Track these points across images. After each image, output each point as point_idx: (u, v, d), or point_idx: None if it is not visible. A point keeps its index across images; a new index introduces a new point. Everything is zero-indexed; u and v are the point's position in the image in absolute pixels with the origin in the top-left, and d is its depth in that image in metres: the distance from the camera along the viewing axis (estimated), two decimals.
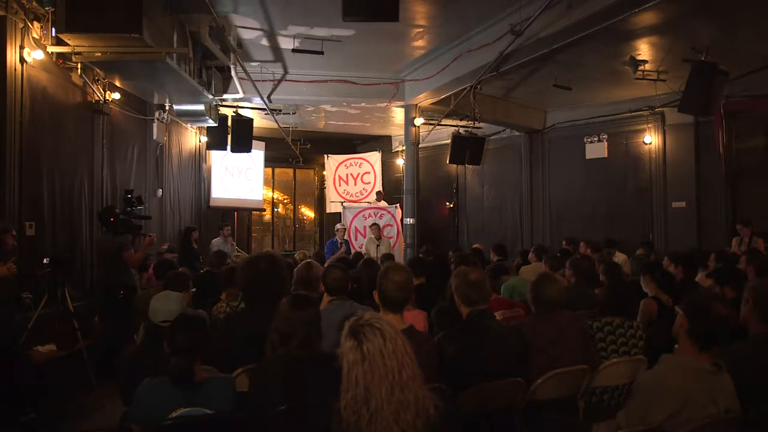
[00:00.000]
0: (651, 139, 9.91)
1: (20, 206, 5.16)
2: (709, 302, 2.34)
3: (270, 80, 9.20)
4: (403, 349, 1.65)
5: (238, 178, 12.00)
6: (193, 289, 4.35)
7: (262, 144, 12.27)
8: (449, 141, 9.87)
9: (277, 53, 8.41)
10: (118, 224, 5.91)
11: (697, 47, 6.23)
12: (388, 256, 7.13)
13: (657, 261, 6.02)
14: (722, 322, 2.27)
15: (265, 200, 13.93)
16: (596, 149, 10.66)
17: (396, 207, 11.35)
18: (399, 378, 1.60)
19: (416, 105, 9.68)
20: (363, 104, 10.21)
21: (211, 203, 11.31)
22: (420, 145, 10.15)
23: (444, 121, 10.17)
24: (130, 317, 4.65)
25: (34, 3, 5.28)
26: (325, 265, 4.12)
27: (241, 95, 8.95)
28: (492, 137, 11.51)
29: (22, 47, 5.17)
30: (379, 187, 13.18)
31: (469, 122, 9.71)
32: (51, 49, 5.54)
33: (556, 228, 11.25)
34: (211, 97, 8.39)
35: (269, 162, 13.55)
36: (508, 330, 2.95)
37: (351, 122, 12.38)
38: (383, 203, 11.96)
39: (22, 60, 5.19)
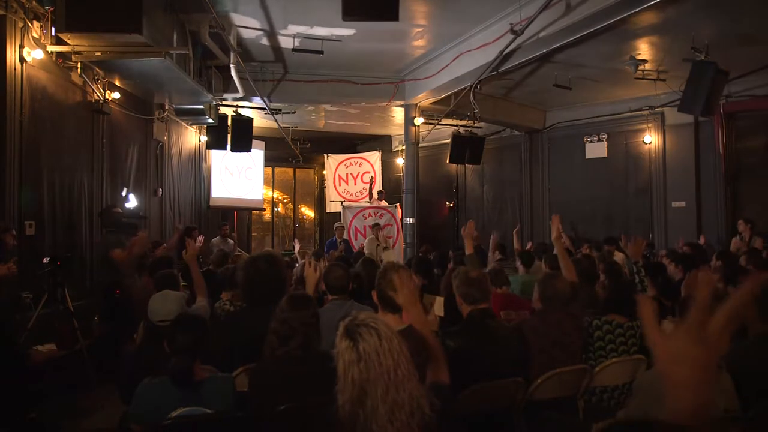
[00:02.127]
0: (651, 139, 9.91)
1: (20, 206, 5.16)
2: None
3: (270, 80, 9.21)
4: (399, 349, 1.65)
5: (238, 178, 12.00)
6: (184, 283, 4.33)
7: (262, 143, 12.27)
8: (449, 141, 9.87)
9: (278, 53, 8.41)
10: (107, 223, 5.90)
11: (697, 47, 6.23)
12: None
13: (657, 263, 6.01)
14: None
15: (265, 200, 13.94)
16: (596, 149, 10.66)
17: (396, 207, 11.35)
18: (395, 377, 1.60)
19: (416, 104, 9.68)
20: (363, 104, 10.21)
21: (211, 203, 11.31)
22: (420, 145, 10.15)
23: (444, 121, 10.17)
24: (128, 317, 4.64)
25: (33, 2, 5.28)
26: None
27: (241, 95, 8.95)
28: (492, 137, 11.51)
29: (22, 46, 5.16)
30: (379, 186, 13.18)
31: (469, 122, 9.71)
32: (51, 48, 5.54)
33: None
34: (210, 96, 8.39)
35: (269, 161, 13.55)
36: (509, 329, 2.95)
37: (351, 122, 12.38)
38: (383, 203, 11.97)
39: (22, 59, 5.18)
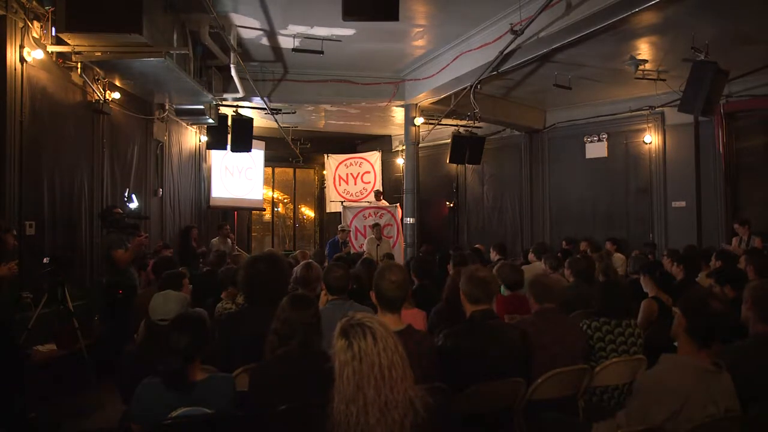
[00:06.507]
0: (651, 139, 9.91)
1: (20, 206, 5.16)
2: (705, 299, 2.34)
3: (270, 80, 9.21)
4: (394, 348, 1.66)
5: (238, 178, 12.00)
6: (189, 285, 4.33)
7: (262, 143, 12.27)
8: (449, 140, 9.87)
9: (278, 53, 8.41)
10: (108, 223, 5.92)
11: (697, 47, 6.23)
12: (389, 257, 7.13)
13: (657, 261, 6.01)
14: (720, 317, 2.27)
15: (265, 200, 13.94)
16: (596, 149, 10.67)
17: (396, 207, 11.35)
18: (389, 377, 1.62)
19: (416, 104, 9.68)
20: (363, 104, 10.21)
21: (211, 203, 11.31)
22: (420, 145, 10.15)
23: (444, 121, 10.17)
24: (130, 317, 4.64)
25: (34, 2, 5.28)
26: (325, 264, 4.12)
27: (241, 95, 8.95)
28: (492, 137, 11.51)
29: (22, 47, 5.16)
30: (378, 186, 13.18)
31: (469, 122, 9.71)
32: (51, 48, 5.54)
33: (556, 228, 11.26)
34: (211, 96, 8.39)
35: (269, 161, 13.55)
36: (512, 330, 2.94)
37: (351, 122, 12.38)
38: (383, 202, 11.95)
39: (22, 59, 5.18)
